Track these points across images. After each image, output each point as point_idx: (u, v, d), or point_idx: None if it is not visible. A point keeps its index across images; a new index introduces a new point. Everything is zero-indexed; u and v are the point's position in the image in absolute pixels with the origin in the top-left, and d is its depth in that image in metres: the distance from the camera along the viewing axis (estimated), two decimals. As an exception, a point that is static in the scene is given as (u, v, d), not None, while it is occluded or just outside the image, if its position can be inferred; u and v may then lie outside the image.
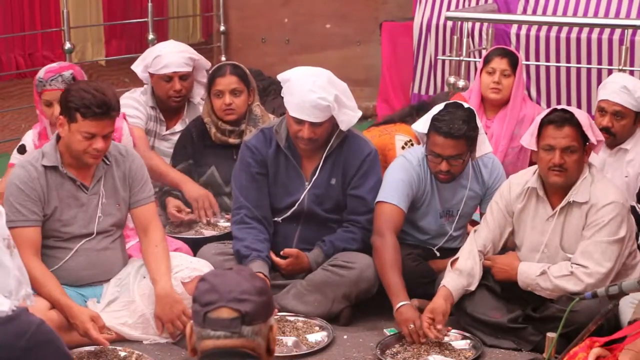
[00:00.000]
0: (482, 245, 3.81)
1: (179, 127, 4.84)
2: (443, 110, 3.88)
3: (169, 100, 4.77)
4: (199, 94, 4.90)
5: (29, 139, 4.21)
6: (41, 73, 4.14)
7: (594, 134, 3.63)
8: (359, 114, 4.02)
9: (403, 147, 4.55)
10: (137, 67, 4.87)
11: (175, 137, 4.78)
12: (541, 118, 3.66)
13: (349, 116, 3.95)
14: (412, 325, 3.61)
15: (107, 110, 3.51)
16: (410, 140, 4.59)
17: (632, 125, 4.32)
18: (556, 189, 3.68)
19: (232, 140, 4.55)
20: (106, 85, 3.70)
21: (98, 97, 3.49)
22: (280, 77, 4.02)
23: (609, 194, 3.63)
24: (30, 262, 3.46)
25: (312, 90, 3.83)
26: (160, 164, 4.62)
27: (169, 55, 4.75)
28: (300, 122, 3.89)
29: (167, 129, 4.85)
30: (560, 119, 3.58)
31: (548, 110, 3.70)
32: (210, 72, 4.65)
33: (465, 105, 3.94)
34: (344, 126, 3.97)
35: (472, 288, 3.75)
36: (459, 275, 3.73)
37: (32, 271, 3.42)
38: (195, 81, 4.88)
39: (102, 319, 3.56)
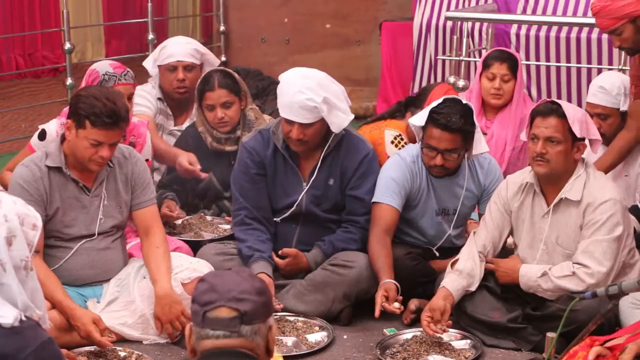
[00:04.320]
0: (482, 246, 3.82)
1: (187, 123, 4.85)
2: (441, 103, 3.89)
3: (173, 92, 4.79)
4: None
5: (52, 127, 4.17)
6: (107, 68, 4.17)
7: (585, 131, 3.62)
8: (351, 116, 4.02)
9: (392, 142, 4.59)
10: (148, 62, 4.95)
11: None
12: (532, 109, 3.69)
13: (340, 119, 3.95)
14: (381, 299, 3.65)
15: (117, 120, 3.52)
16: (400, 135, 4.64)
17: (620, 122, 4.29)
18: (550, 185, 3.69)
19: (228, 148, 4.57)
20: (117, 93, 3.71)
21: (109, 107, 3.50)
22: (279, 77, 4.03)
23: (605, 191, 3.63)
24: (33, 261, 3.46)
25: (300, 92, 3.85)
26: (161, 145, 4.68)
27: (175, 46, 4.83)
28: (290, 122, 3.90)
29: (175, 125, 4.86)
30: (547, 109, 3.61)
31: (540, 101, 3.73)
32: (198, 83, 4.63)
33: (464, 100, 3.96)
34: (334, 128, 3.96)
35: (473, 288, 3.76)
36: (459, 275, 3.73)
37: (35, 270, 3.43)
38: None
39: (104, 322, 3.55)
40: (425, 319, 3.61)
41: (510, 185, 3.83)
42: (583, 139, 3.62)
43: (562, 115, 3.57)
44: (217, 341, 2.04)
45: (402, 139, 4.62)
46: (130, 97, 4.21)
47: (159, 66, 4.85)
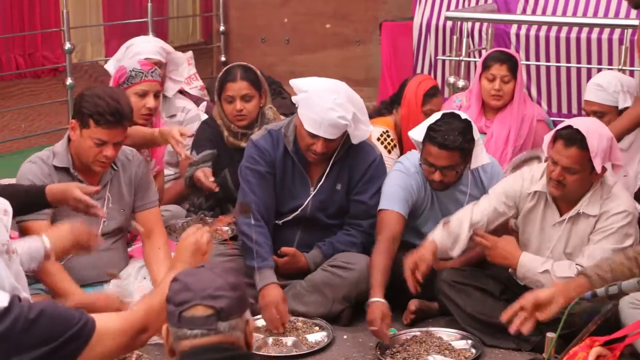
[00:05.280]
0: (478, 219, 3.77)
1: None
2: (439, 120, 3.84)
3: None
4: (173, 88, 4.89)
5: None
6: (135, 65, 4.22)
7: (610, 158, 3.54)
8: (371, 128, 4.01)
9: (378, 139, 4.65)
10: (110, 65, 4.87)
11: None
12: (556, 128, 3.61)
13: (361, 131, 3.93)
14: (374, 328, 3.58)
15: (120, 119, 3.53)
16: (387, 131, 4.72)
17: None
18: (560, 200, 3.67)
19: (244, 144, 4.48)
20: (120, 93, 3.72)
21: (112, 105, 3.51)
22: (295, 84, 3.93)
23: (620, 203, 3.61)
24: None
25: (332, 109, 3.78)
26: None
27: (140, 44, 4.79)
28: (314, 136, 3.86)
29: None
30: (570, 138, 3.51)
31: (567, 122, 3.60)
32: (220, 74, 4.65)
33: (463, 116, 3.90)
34: (355, 140, 3.95)
35: (453, 254, 3.74)
36: (448, 235, 3.71)
37: (48, 265, 3.41)
38: (168, 77, 4.87)
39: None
40: (410, 267, 3.60)
41: (525, 183, 3.76)
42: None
43: (584, 147, 3.49)
44: (195, 340, 2.04)
45: (388, 136, 4.71)
46: (157, 95, 4.25)
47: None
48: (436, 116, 3.89)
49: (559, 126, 3.62)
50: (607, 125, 4.20)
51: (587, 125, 3.57)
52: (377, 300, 3.64)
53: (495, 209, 3.79)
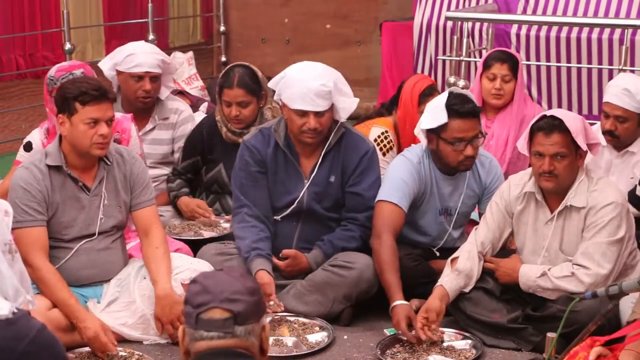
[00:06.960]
0: (481, 244, 3.81)
1: (149, 125, 4.77)
2: (450, 98, 3.88)
3: (136, 101, 4.70)
4: (164, 92, 4.85)
5: (36, 137, 4.20)
6: (52, 71, 4.16)
7: (586, 138, 3.59)
8: (357, 100, 4.04)
9: (375, 140, 4.63)
10: (105, 64, 4.81)
11: (149, 136, 4.75)
12: (531, 124, 3.66)
13: (347, 103, 3.97)
14: (401, 331, 3.61)
15: (104, 92, 3.56)
16: (386, 131, 4.71)
17: (636, 127, 4.27)
18: (553, 193, 3.69)
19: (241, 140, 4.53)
20: (95, 77, 3.74)
21: (93, 83, 3.56)
22: (272, 82, 4.03)
23: (607, 195, 3.62)
24: (41, 263, 3.54)
25: (312, 79, 3.87)
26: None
27: (143, 55, 4.70)
28: (304, 114, 3.89)
29: (139, 130, 4.80)
30: (549, 125, 3.57)
31: (538, 115, 3.68)
32: (220, 76, 4.64)
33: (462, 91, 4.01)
34: (344, 114, 3.98)
35: (468, 289, 3.76)
36: (457, 275, 3.73)
37: (43, 273, 3.53)
38: (163, 85, 4.84)
39: (109, 328, 3.57)
40: (420, 320, 3.61)
41: (512, 188, 3.81)
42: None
43: (565, 130, 3.54)
44: (212, 342, 2.04)
45: (386, 137, 4.70)
46: None
47: (120, 70, 4.73)
48: (443, 96, 3.92)
49: (532, 122, 3.67)
50: (626, 132, 4.22)
51: (559, 111, 3.69)
52: (400, 304, 3.68)
53: (496, 228, 3.82)
